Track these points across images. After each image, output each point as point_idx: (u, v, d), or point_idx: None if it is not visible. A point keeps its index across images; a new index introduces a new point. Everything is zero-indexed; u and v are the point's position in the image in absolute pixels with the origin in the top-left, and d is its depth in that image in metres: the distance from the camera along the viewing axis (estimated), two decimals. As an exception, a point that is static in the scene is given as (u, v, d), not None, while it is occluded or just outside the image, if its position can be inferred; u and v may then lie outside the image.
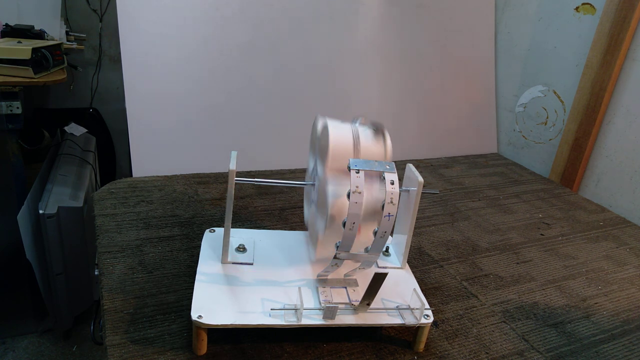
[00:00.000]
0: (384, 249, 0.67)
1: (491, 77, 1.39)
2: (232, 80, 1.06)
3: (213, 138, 1.04)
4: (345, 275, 0.59)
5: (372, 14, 1.19)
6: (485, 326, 0.64)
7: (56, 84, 1.24)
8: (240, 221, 0.83)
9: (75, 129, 1.66)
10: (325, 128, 0.57)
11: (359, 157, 0.56)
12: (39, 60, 1.18)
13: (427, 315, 0.56)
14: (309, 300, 0.56)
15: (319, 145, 0.59)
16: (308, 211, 0.67)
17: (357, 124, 0.59)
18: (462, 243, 0.85)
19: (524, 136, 1.32)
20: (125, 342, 0.54)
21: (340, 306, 0.55)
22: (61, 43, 1.35)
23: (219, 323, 0.51)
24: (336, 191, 0.54)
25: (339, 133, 0.56)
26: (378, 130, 0.58)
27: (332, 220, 0.55)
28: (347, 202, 0.50)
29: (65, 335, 1.44)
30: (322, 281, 0.60)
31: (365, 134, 0.57)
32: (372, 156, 0.56)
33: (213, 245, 0.65)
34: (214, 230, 0.68)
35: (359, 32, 1.19)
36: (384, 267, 0.65)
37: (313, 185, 0.62)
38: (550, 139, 1.25)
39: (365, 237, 0.56)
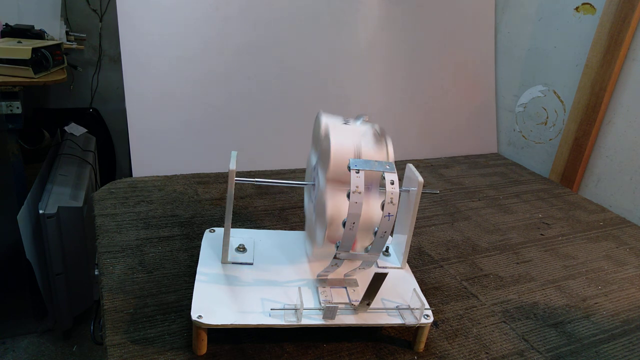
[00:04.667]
0: (384, 249, 0.67)
1: (491, 77, 1.39)
2: (232, 80, 1.06)
3: (213, 138, 1.04)
4: (345, 275, 0.59)
5: (372, 14, 1.19)
6: (485, 326, 0.64)
7: (56, 84, 1.25)
8: (240, 221, 0.83)
9: (75, 129, 1.66)
10: (327, 136, 0.56)
11: None
12: (39, 60, 1.19)
13: (427, 315, 0.56)
14: (309, 300, 0.56)
15: (321, 148, 0.59)
16: (308, 204, 0.66)
17: (359, 123, 0.59)
18: (462, 243, 0.85)
19: (524, 136, 1.32)
20: (125, 342, 0.54)
21: (340, 306, 0.55)
22: (61, 43, 1.35)
23: (219, 323, 0.51)
24: (334, 202, 0.54)
25: (341, 142, 0.56)
26: (381, 137, 0.57)
27: (329, 226, 0.54)
28: (346, 209, 0.50)
29: (65, 335, 1.44)
30: (322, 281, 0.60)
31: (367, 141, 0.57)
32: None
33: (213, 245, 0.65)
34: (214, 230, 0.68)
35: (359, 32, 1.19)
36: (384, 267, 0.65)
37: (313, 185, 0.62)
38: (550, 139, 1.25)
39: (365, 237, 0.56)
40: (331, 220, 0.54)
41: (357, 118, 0.60)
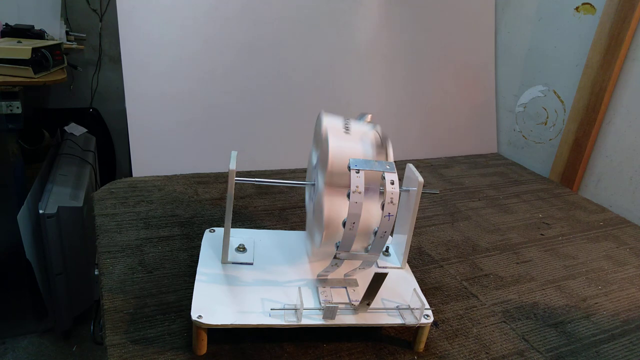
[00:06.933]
0: (384, 249, 0.67)
1: (491, 77, 1.39)
2: (232, 80, 1.06)
3: (213, 138, 1.04)
4: (345, 275, 0.59)
5: (372, 14, 1.19)
6: (485, 326, 0.64)
7: (56, 84, 1.24)
8: (240, 221, 0.83)
9: (75, 129, 1.66)
10: (326, 140, 0.56)
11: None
12: (39, 60, 1.18)
13: (427, 315, 0.56)
14: (309, 300, 0.56)
15: (321, 150, 0.59)
16: (309, 203, 0.66)
17: (361, 122, 0.59)
18: (462, 243, 0.85)
19: (524, 136, 1.32)
20: (125, 342, 0.54)
21: (340, 306, 0.55)
22: (61, 43, 1.35)
23: (219, 323, 0.51)
24: (332, 204, 0.54)
25: (340, 145, 0.55)
26: (382, 144, 0.57)
27: (327, 228, 0.55)
28: (344, 210, 0.50)
29: (65, 335, 1.44)
30: (322, 281, 0.60)
31: (366, 146, 0.56)
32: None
33: (213, 245, 0.65)
34: (214, 230, 0.68)
35: (359, 32, 1.19)
36: (384, 267, 0.65)
37: (313, 185, 0.62)
38: (550, 139, 1.25)
39: (365, 237, 0.56)
40: (328, 223, 0.54)
41: (360, 117, 0.60)
